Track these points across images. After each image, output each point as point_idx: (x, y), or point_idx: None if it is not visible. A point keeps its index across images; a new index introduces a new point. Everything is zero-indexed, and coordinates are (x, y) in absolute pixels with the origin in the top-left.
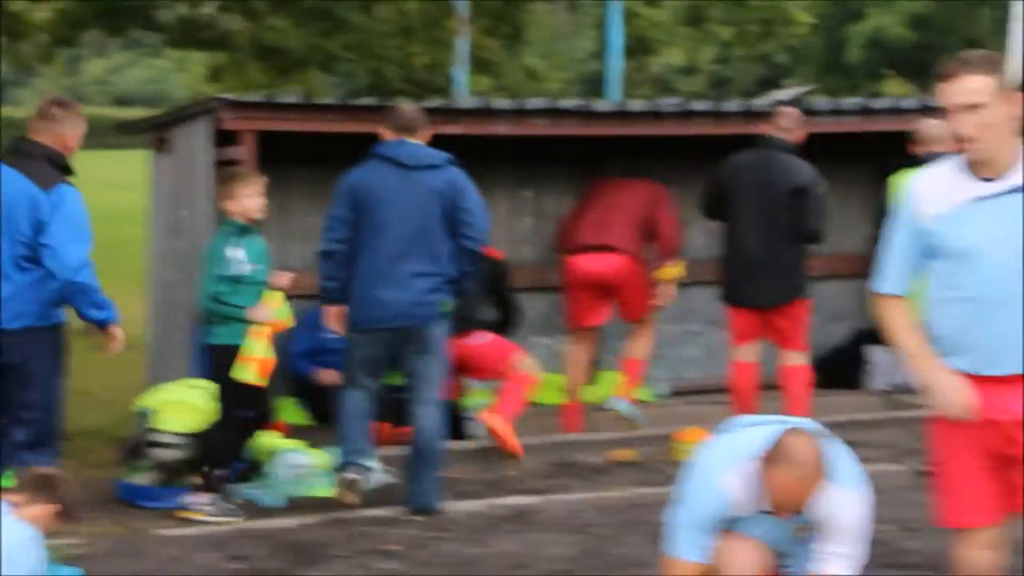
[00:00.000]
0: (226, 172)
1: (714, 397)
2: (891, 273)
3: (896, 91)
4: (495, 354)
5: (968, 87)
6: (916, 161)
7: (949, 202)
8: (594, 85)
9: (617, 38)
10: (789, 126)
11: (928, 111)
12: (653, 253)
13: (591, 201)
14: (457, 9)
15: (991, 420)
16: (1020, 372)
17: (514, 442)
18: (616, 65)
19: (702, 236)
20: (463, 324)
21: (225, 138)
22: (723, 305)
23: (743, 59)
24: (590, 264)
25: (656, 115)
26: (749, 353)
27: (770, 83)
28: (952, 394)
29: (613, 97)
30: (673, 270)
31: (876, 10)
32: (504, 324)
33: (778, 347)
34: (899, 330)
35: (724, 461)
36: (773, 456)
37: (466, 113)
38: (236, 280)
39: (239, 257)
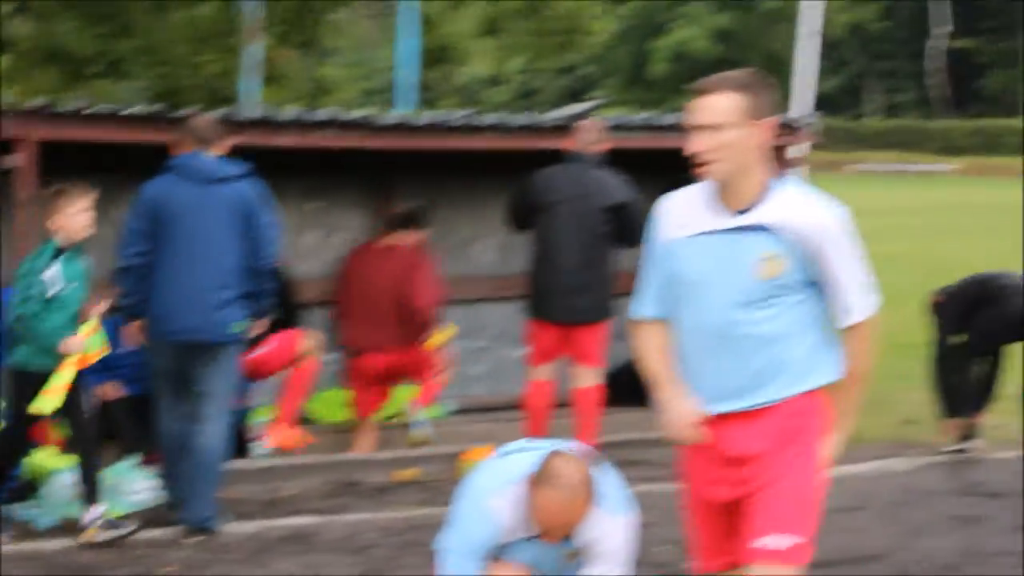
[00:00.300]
0: (53, 188)
1: (501, 415)
2: (645, 296)
3: None
4: (280, 353)
5: (711, 105)
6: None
7: (689, 228)
8: (403, 94)
9: (410, 48)
10: (593, 139)
11: None
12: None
13: (353, 285)
14: (246, 16)
15: (719, 458)
16: (743, 409)
17: (302, 440)
18: (408, 76)
19: (491, 252)
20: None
21: (4, 146)
22: (529, 320)
23: (550, 70)
24: (367, 363)
25: (443, 128)
26: (547, 371)
27: (576, 95)
28: (678, 421)
29: (406, 108)
30: (440, 337)
31: (680, 24)
32: (284, 325)
33: (575, 365)
34: (648, 353)
35: (493, 485)
36: (540, 478)
37: (250, 124)
38: (48, 300)
39: (53, 276)
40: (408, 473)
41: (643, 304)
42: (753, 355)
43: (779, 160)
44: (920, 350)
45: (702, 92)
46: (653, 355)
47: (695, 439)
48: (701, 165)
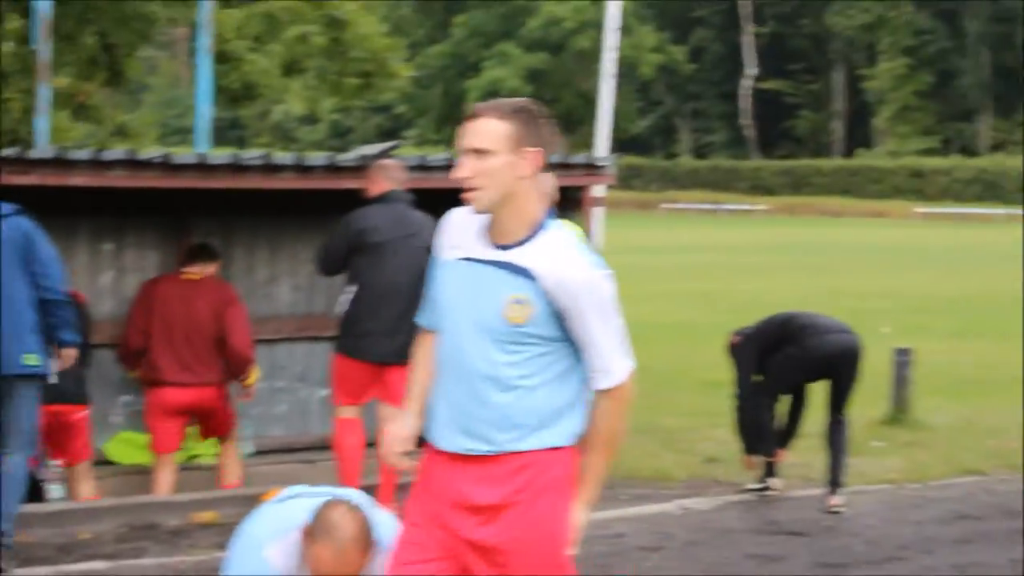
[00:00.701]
0: None
1: (301, 455)
2: (427, 305)
3: None
4: (79, 435)
5: (478, 130)
6: None
7: (457, 250)
8: (221, 132)
9: (206, 86)
10: (402, 177)
11: None
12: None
13: (158, 316)
14: (38, 53)
15: (447, 500)
16: (474, 452)
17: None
18: (206, 114)
19: (291, 292)
20: (69, 394)
21: None
22: (341, 360)
23: (364, 109)
24: (175, 397)
25: (239, 168)
26: (355, 411)
27: (390, 133)
28: (387, 443)
29: (203, 147)
30: (251, 378)
31: (492, 64)
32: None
33: (385, 406)
34: (414, 364)
35: (268, 533)
36: (313, 530)
37: (40, 163)
38: None
39: None
40: (207, 515)
41: (423, 313)
42: (490, 397)
43: (583, 200)
44: (724, 388)
45: (472, 116)
46: (416, 367)
47: (400, 467)
48: (466, 191)
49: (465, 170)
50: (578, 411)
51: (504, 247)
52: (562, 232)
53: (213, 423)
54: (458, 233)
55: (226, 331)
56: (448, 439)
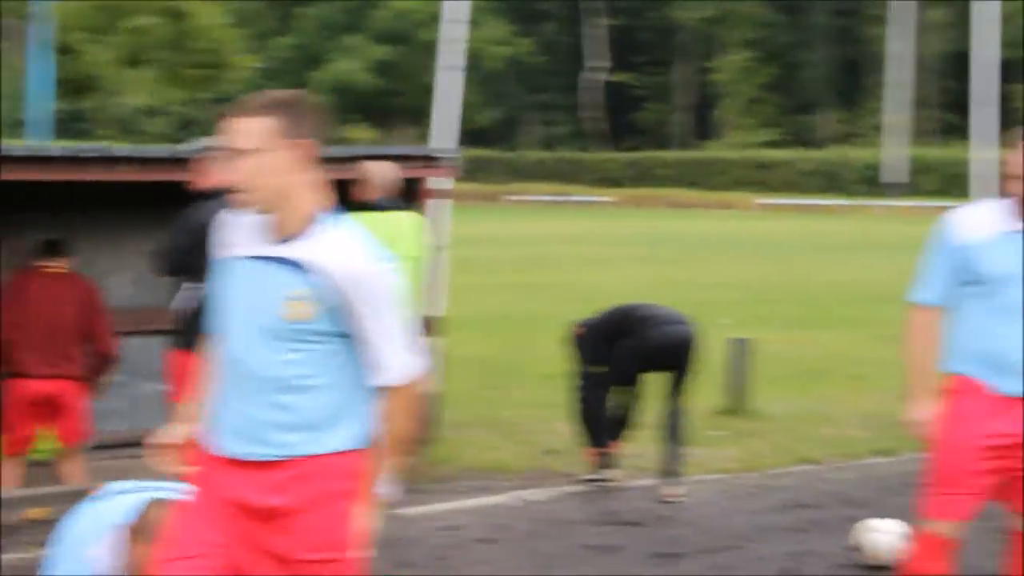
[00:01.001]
0: None
1: (136, 451)
2: (213, 307)
3: (363, 136)
4: None
5: (241, 129)
6: (365, 206)
7: (236, 249)
8: (64, 124)
9: (41, 78)
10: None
11: (378, 157)
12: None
13: (27, 310)
14: None
15: (227, 505)
16: (257, 458)
17: None
18: (40, 106)
19: (128, 286)
20: None
21: None
22: (186, 355)
23: (211, 101)
24: (37, 388)
25: (77, 160)
26: None
27: None
28: (155, 445)
29: (40, 139)
30: (109, 375)
31: (338, 56)
32: None
33: None
34: (202, 368)
35: (91, 532)
36: (138, 529)
37: None
38: None
39: None
40: (39, 511)
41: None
42: (271, 399)
43: (420, 192)
44: (562, 380)
45: (234, 115)
46: (203, 370)
47: (171, 470)
48: (236, 193)
49: (232, 172)
50: (365, 412)
51: (282, 242)
52: (343, 225)
53: (68, 422)
54: (235, 232)
55: (94, 331)
56: (228, 443)
